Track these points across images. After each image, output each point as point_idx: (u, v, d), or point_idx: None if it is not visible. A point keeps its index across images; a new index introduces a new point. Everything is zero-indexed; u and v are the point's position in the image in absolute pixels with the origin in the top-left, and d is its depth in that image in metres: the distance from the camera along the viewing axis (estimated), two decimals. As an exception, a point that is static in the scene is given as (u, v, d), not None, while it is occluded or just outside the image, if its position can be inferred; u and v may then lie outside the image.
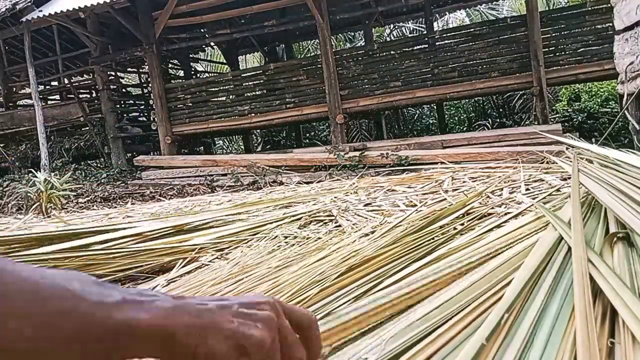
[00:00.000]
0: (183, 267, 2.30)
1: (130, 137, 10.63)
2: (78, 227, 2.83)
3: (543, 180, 2.73)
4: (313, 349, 0.48)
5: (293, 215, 2.97)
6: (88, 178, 8.93)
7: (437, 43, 8.15)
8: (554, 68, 7.51)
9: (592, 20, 7.44)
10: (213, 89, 9.16)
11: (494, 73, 7.67)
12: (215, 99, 9.18)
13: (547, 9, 11.56)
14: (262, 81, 8.90)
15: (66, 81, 11.07)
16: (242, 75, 9.72)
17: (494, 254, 1.06)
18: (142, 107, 11.97)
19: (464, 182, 3.40)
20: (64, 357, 0.35)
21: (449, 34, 8.40)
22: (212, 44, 12.56)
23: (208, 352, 0.39)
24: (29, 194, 5.99)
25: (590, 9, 7.42)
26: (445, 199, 2.75)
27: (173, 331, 0.38)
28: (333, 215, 2.86)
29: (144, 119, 11.69)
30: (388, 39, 13.79)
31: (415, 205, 2.69)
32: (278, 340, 0.44)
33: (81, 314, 0.35)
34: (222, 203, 4.48)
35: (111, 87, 10.25)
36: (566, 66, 7.48)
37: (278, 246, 2.30)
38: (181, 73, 13.30)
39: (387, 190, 3.64)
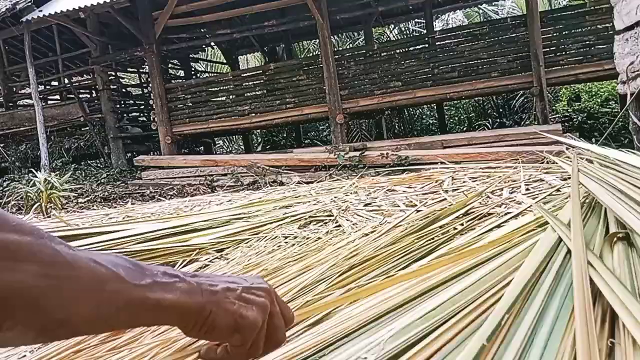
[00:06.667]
0: (183, 267, 2.30)
1: (130, 137, 10.62)
2: (78, 228, 2.83)
3: (543, 181, 2.72)
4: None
5: (293, 216, 2.96)
6: (88, 178, 8.94)
7: (437, 43, 8.15)
8: (554, 68, 7.50)
9: (592, 20, 7.44)
10: (213, 89, 9.16)
11: (494, 73, 7.67)
12: (216, 99, 9.18)
13: (547, 8, 11.56)
14: (262, 81, 8.90)
15: (66, 81, 11.07)
16: (242, 75, 9.72)
17: (493, 254, 1.06)
18: (142, 107, 11.96)
19: (464, 182, 3.39)
20: (110, 324, 0.47)
21: (449, 34, 8.40)
22: (212, 44, 12.56)
23: (211, 325, 0.51)
24: (29, 194, 5.99)
25: (590, 9, 7.42)
26: (445, 199, 2.74)
27: (189, 307, 0.49)
28: (333, 215, 2.86)
29: (144, 119, 11.69)
30: (388, 39, 13.78)
31: (415, 205, 2.69)
32: (267, 322, 0.55)
33: (126, 295, 0.46)
34: (222, 203, 4.48)
35: (111, 87, 10.25)
36: (566, 66, 7.48)
37: (278, 246, 2.30)
38: (181, 73, 13.30)
39: (387, 190, 3.64)
